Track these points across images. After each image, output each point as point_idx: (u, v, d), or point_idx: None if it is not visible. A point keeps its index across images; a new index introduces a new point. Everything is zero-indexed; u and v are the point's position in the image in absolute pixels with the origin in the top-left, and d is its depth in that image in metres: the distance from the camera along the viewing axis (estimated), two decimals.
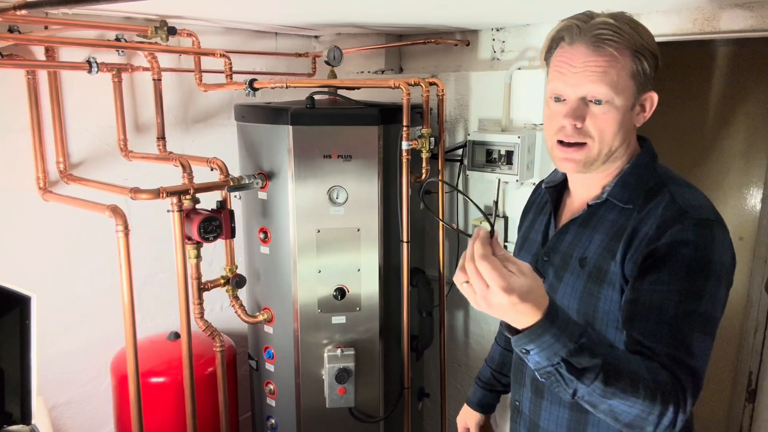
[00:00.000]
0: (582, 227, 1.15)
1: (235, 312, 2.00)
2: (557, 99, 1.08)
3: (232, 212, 1.83)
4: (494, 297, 0.81)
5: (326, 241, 1.96)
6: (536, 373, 0.88)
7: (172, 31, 1.90)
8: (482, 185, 2.40)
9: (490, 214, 2.40)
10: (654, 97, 1.09)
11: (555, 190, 1.26)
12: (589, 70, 1.03)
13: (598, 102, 1.04)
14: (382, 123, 1.93)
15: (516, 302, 0.80)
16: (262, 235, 2.05)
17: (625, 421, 0.89)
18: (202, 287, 1.85)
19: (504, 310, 0.82)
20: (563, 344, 0.83)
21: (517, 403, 1.30)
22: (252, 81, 1.98)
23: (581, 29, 1.04)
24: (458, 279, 0.85)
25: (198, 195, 1.76)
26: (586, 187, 1.17)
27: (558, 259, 1.17)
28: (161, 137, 2.12)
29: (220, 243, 1.86)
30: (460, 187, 2.47)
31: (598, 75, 1.02)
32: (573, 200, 1.23)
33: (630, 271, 1.03)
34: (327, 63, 2.07)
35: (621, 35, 1.02)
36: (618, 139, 1.07)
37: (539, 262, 1.21)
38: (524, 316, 0.83)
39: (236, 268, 1.95)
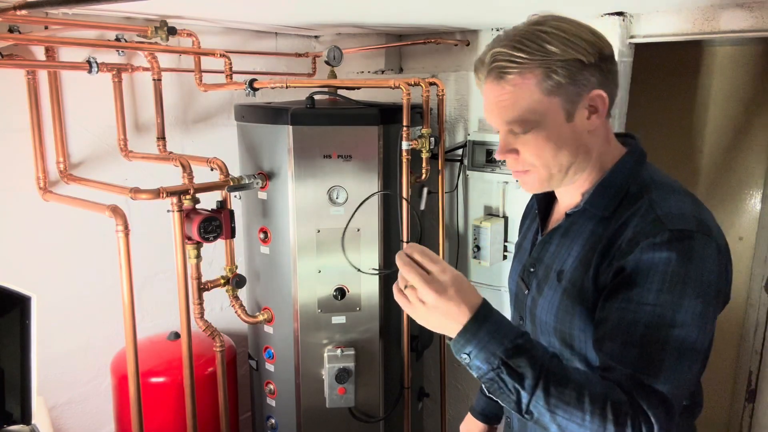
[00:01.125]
0: (564, 237, 1.07)
1: (235, 312, 2.00)
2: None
3: (232, 212, 1.83)
4: (424, 296, 0.85)
5: (326, 241, 1.96)
6: (482, 385, 0.86)
7: (172, 31, 1.90)
8: (482, 185, 2.40)
9: (490, 214, 2.40)
10: (599, 95, 0.95)
11: (544, 196, 1.18)
12: (501, 105, 0.97)
13: (524, 131, 0.97)
14: (382, 123, 1.93)
15: (443, 298, 0.84)
16: (262, 235, 2.05)
17: None
18: (202, 287, 1.85)
19: (438, 313, 0.86)
20: (499, 342, 0.83)
21: (508, 419, 1.28)
22: (252, 81, 1.99)
23: (483, 63, 0.98)
24: (396, 295, 0.90)
25: (198, 195, 1.77)
26: (567, 195, 1.09)
27: (541, 270, 1.10)
28: (161, 137, 2.12)
29: (220, 243, 1.86)
30: (460, 188, 2.47)
31: (508, 108, 0.96)
32: (559, 207, 1.16)
33: (603, 286, 0.96)
34: (327, 63, 2.07)
35: (520, 60, 0.93)
36: (565, 157, 0.99)
37: (525, 273, 1.16)
38: (457, 316, 0.85)
39: (236, 268, 1.95)
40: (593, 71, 0.94)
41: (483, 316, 0.86)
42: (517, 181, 1.15)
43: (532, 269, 1.13)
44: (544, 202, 1.18)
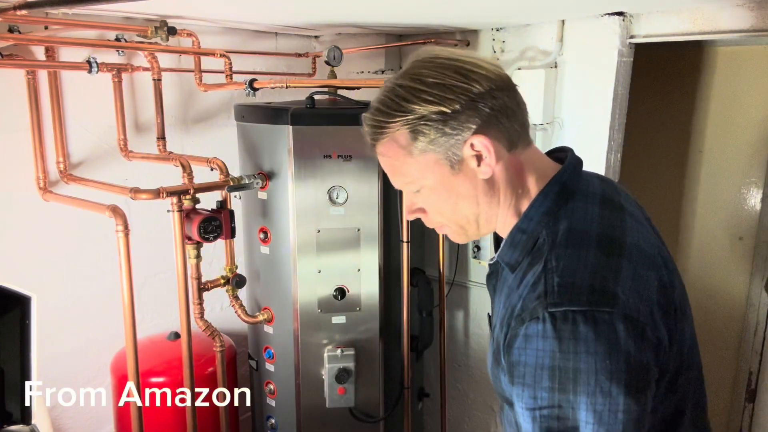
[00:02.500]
0: (497, 283, 0.98)
1: (235, 312, 2.00)
2: None
3: (232, 212, 1.83)
4: None
5: (326, 241, 1.96)
6: None
7: (172, 31, 1.90)
8: None
9: None
10: (477, 140, 0.85)
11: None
12: (387, 170, 0.93)
13: (417, 191, 0.92)
14: None
15: None
16: (262, 235, 2.05)
17: None
18: (202, 287, 1.85)
19: None
20: None
21: None
22: (252, 81, 1.98)
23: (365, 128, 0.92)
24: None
25: (198, 195, 1.76)
26: (504, 236, 0.95)
27: (492, 317, 1.01)
28: (161, 137, 2.12)
29: (220, 243, 1.86)
30: None
31: (393, 173, 0.93)
32: None
33: (503, 364, 0.86)
34: (327, 63, 2.07)
35: (383, 125, 0.87)
36: (466, 209, 0.91)
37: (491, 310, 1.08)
38: None
39: (236, 268, 1.95)
40: (465, 117, 0.84)
41: None
42: None
43: (489, 312, 1.06)
44: (497, 237, 1.03)
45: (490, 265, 0.98)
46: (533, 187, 0.91)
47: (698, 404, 0.98)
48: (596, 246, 0.83)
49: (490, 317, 1.07)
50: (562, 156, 0.95)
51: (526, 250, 0.88)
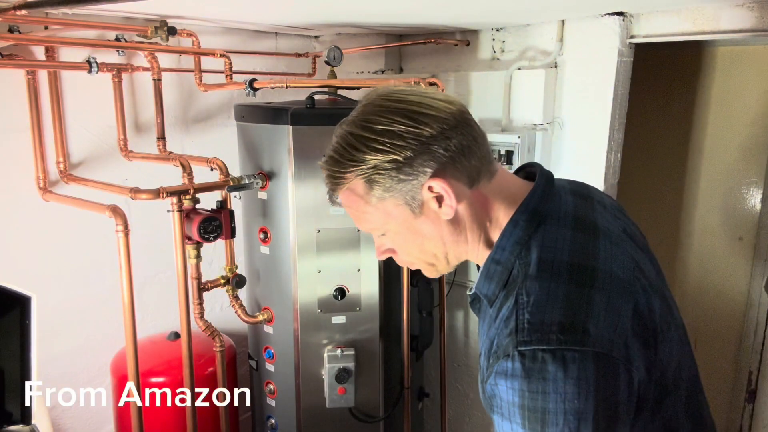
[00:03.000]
0: (479, 311, 0.97)
1: (235, 312, 2.00)
2: None
3: (232, 212, 1.83)
4: None
5: (326, 241, 1.96)
6: None
7: (172, 31, 1.90)
8: None
9: None
10: (435, 183, 0.84)
11: None
12: (352, 217, 0.92)
13: (383, 235, 0.93)
14: None
15: None
16: (262, 235, 2.05)
17: None
18: (202, 287, 1.85)
19: None
20: None
21: None
22: (252, 81, 1.98)
23: None
24: None
25: (198, 195, 1.76)
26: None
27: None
28: (161, 137, 2.12)
29: (220, 243, 1.86)
30: None
31: (357, 220, 0.92)
32: None
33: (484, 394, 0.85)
34: (327, 63, 2.07)
35: (338, 176, 0.87)
36: (433, 248, 0.91)
37: None
38: None
39: (236, 268, 1.95)
40: (419, 161, 0.82)
41: None
42: None
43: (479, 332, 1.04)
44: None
45: (468, 294, 0.96)
46: (503, 216, 0.88)
47: (697, 421, 0.96)
48: (567, 277, 0.81)
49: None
50: (534, 172, 0.93)
51: (501, 282, 0.86)
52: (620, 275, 0.84)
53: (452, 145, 0.83)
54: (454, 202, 0.85)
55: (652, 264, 0.95)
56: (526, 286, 0.81)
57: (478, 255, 0.92)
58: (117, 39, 1.97)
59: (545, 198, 0.89)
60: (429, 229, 0.88)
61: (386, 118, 0.83)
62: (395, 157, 0.82)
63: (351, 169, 0.84)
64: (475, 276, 0.94)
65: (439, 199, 0.85)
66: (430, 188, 0.84)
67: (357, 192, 0.87)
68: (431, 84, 2.07)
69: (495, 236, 0.89)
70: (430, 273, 0.97)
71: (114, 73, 1.99)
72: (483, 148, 0.87)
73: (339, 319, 2.02)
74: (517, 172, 0.98)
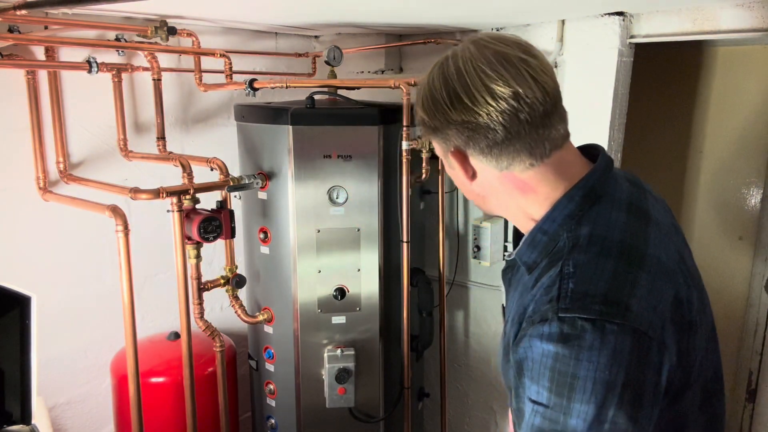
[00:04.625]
0: (512, 278, 1.01)
1: (235, 312, 2.00)
2: None
3: (232, 212, 1.83)
4: None
5: (326, 241, 1.96)
6: None
7: (172, 31, 1.90)
8: None
9: None
10: (454, 156, 0.91)
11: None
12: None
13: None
14: (382, 123, 1.93)
15: None
16: (262, 235, 2.05)
17: None
18: (202, 287, 1.85)
19: None
20: None
21: None
22: (252, 81, 1.98)
23: None
24: None
25: (198, 195, 1.76)
26: (524, 232, 0.98)
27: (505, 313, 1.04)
28: (161, 137, 2.12)
29: (220, 243, 1.86)
30: None
31: None
32: None
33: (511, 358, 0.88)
34: (327, 63, 2.07)
35: (415, 108, 1.00)
36: (470, 196, 0.99)
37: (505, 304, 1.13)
38: None
39: (236, 268, 1.95)
40: (445, 132, 0.90)
41: None
42: None
43: (504, 303, 1.09)
44: (517, 232, 1.05)
45: (507, 260, 1.00)
46: (551, 192, 0.90)
47: (711, 417, 0.96)
48: (616, 254, 0.83)
49: (504, 309, 1.10)
50: (595, 154, 0.95)
51: (545, 252, 0.88)
52: (666, 263, 0.86)
53: (476, 136, 0.87)
54: (463, 175, 0.93)
55: (692, 260, 0.98)
56: (573, 257, 0.83)
57: (516, 221, 0.97)
58: (117, 39, 1.97)
59: (603, 179, 0.91)
60: (458, 181, 0.97)
61: (440, 84, 0.89)
62: (428, 119, 0.92)
63: (416, 109, 0.95)
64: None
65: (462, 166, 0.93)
66: (450, 157, 0.92)
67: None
68: None
69: (535, 210, 0.91)
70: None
71: (114, 73, 1.99)
72: (531, 141, 0.87)
73: (339, 319, 2.02)
74: (581, 149, 1.00)
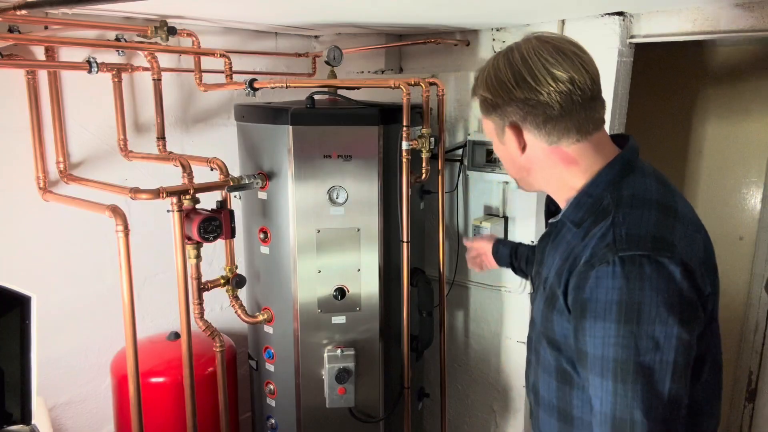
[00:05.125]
0: (552, 243, 1.15)
1: (235, 312, 2.00)
2: None
3: (232, 212, 1.83)
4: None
5: (326, 241, 1.96)
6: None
7: (172, 31, 1.90)
8: (482, 185, 2.40)
9: (490, 214, 2.40)
10: (509, 130, 1.08)
11: (552, 200, 1.25)
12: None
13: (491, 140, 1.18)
14: (382, 123, 1.93)
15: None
16: (262, 235, 2.05)
17: None
18: (202, 287, 1.85)
19: None
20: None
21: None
22: (252, 81, 1.98)
23: None
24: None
25: (198, 195, 1.76)
26: (559, 203, 1.16)
27: (540, 274, 1.19)
28: (161, 137, 2.12)
29: (220, 243, 1.86)
30: (460, 188, 2.47)
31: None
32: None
33: (569, 305, 1.02)
34: (327, 63, 2.07)
35: (473, 87, 1.13)
36: (511, 170, 1.16)
37: (534, 274, 1.26)
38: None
39: (236, 268, 1.95)
40: (507, 109, 1.06)
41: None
42: None
43: (538, 269, 1.22)
44: (552, 206, 1.22)
45: (550, 224, 1.17)
46: (593, 164, 1.07)
47: (716, 361, 1.10)
48: (656, 209, 1.00)
49: (532, 277, 1.30)
50: (623, 142, 1.13)
51: (591, 211, 1.04)
52: (693, 219, 1.06)
53: (535, 112, 1.03)
54: (515, 147, 1.09)
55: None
56: (621, 211, 1.00)
57: (554, 192, 1.14)
58: (117, 39, 1.97)
59: (635, 157, 1.10)
60: (507, 156, 1.13)
61: (505, 67, 1.05)
62: (491, 97, 1.08)
63: (475, 88, 1.12)
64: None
65: (517, 140, 1.08)
66: (507, 130, 1.08)
67: (476, 103, 1.14)
68: (431, 84, 2.07)
69: (576, 180, 1.08)
70: (519, 185, 1.21)
71: (114, 73, 1.99)
72: (578, 119, 1.04)
73: (339, 319, 2.02)
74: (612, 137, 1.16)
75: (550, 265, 1.12)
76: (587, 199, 1.06)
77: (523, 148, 1.08)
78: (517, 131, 1.07)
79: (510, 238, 2.34)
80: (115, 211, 1.64)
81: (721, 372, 1.12)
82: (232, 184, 1.86)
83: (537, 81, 1.01)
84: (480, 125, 2.35)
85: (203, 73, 2.11)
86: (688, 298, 0.93)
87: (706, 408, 1.09)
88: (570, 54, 1.02)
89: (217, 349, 1.96)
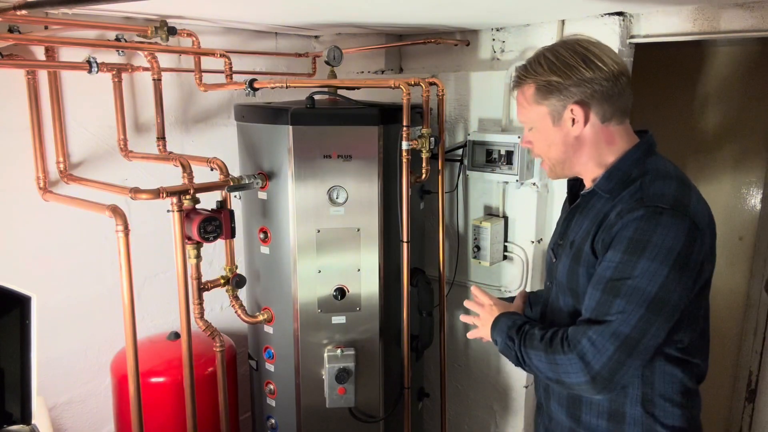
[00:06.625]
0: (580, 214, 1.32)
1: (235, 312, 2.00)
2: None
3: (232, 212, 1.83)
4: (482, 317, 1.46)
5: (326, 241, 1.96)
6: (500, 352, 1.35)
7: (172, 31, 1.90)
8: (482, 185, 2.40)
9: (490, 214, 2.40)
10: (572, 109, 1.22)
11: (575, 183, 1.44)
12: (517, 107, 1.34)
13: (530, 129, 1.32)
14: (382, 123, 1.93)
15: (488, 314, 1.43)
16: (262, 235, 2.05)
17: (554, 378, 1.20)
18: (202, 287, 1.85)
19: (487, 322, 1.42)
20: (507, 327, 1.33)
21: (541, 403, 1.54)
22: (252, 81, 1.98)
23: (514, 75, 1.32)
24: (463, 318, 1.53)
25: (198, 195, 1.76)
26: (586, 180, 1.34)
27: (565, 242, 1.36)
28: (161, 137, 2.12)
29: (220, 243, 1.86)
30: (460, 188, 2.47)
31: (519, 111, 1.32)
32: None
33: (597, 251, 1.20)
34: (327, 63, 2.07)
35: (524, 76, 1.26)
36: (556, 153, 1.29)
37: (555, 245, 1.43)
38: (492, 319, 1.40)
39: (236, 268, 1.95)
40: (572, 89, 1.21)
41: (504, 315, 1.38)
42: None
43: (560, 242, 1.39)
44: (575, 188, 1.42)
45: (582, 195, 1.33)
46: (622, 146, 1.27)
47: (706, 317, 1.31)
48: (675, 180, 1.20)
49: (553, 250, 1.44)
50: (644, 135, 1.32)
51: (620, 182, 1.23)
52: (702, 196, 1.23)
53: (599, 89, 1.20)
54: (582, 125, 1.23)
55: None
56: (647, 178, 1.20)
57: (588, 171, 1.30)
58: (117, 39, 1.97)
59: (654, 145, 1.30)
60: (559, 139, 1.27)
61: (569, 54, 1.22)
62: (557, 79, 1.21)
63: (532, 76, 1.25)
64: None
65: (574, 120, 1.23)
66: (571, 110, 1.22)
67: (528, 91, 1.27)
68: (431, 84, 2.07)
69: (610, 158, 1.26)
70: (549, 171, 1.35)
71: (114, 73, 1.99)
72: (624, 102, 1.25)
73: (339, 319, 2.02)
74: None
75: (577, 230, 1.29)
76: (617, 172, 1.24)
77: (586, 124, 1.23)
78: (585, 108, 1.21)
79: (510, 237, 2.34)
80: (115, 211, 1.64)
81: (709, 331, 1.34)
82: (232, 184, 1.86)
83: (602, 62, 1.19)
84: (480, 125, 2.35)
85: (203, 73, 2.11)
86: (691, 251, 1.11)
87: (699, 360, 1.30)
88: (608, 48, 1.24)
89: (217, 349, 1.96)
